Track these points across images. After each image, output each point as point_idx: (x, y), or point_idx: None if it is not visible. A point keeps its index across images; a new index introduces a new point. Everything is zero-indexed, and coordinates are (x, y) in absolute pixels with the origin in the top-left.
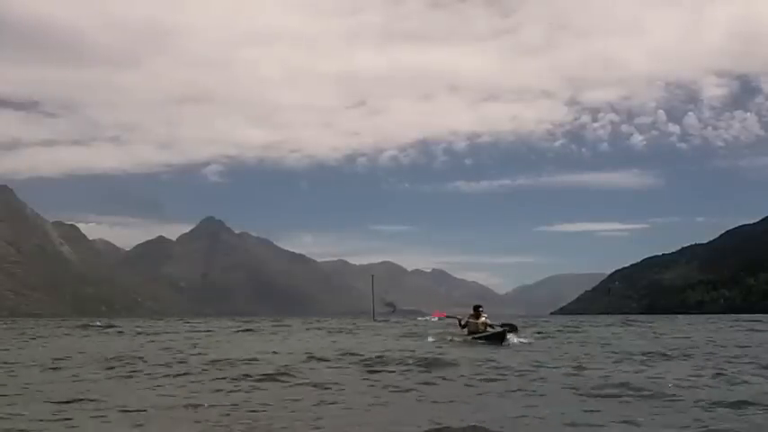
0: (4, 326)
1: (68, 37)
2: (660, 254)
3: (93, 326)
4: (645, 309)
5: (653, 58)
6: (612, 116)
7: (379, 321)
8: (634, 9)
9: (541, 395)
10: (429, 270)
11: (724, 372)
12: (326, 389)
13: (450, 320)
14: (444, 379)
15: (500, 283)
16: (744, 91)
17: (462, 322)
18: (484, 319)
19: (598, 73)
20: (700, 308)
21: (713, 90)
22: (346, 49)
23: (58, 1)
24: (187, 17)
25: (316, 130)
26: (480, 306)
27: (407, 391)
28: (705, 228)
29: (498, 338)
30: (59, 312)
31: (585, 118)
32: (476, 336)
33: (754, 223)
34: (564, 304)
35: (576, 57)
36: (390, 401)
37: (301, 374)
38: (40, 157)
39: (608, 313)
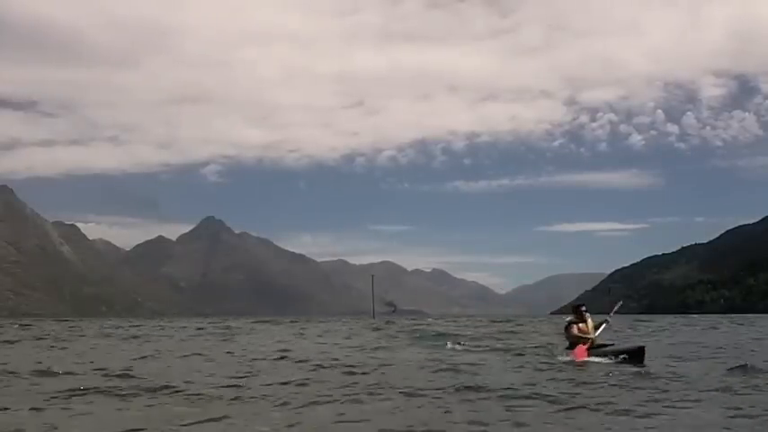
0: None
1: (68, 37)
2: (660, 254)
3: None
4: (645, 309)
5: (651, 58)
6: (611, 116)
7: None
8: (632, 10)
9: None
10: (429, 270)
11: None
12: None
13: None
14: None
15: (500, 283)
16: (742, 91)
17: (574, 331)
18: (591, 323)
19: (597, 73)
20: (700, 308)
21: (711, 90)
22: (345, 49)
23: (58, 1)
24: (186, 17)
25: (314, 130)
26: (583, 305)
27: None
28: (705, 228)
29: (635, 357)
30: (59, 312)
31: (584, 118)
32: (593, 353)
33: (754, 223)
34: (564, 304)
35: (575, 57)
36: None
37: None
38: (39, 157)
39: (608, 313)
